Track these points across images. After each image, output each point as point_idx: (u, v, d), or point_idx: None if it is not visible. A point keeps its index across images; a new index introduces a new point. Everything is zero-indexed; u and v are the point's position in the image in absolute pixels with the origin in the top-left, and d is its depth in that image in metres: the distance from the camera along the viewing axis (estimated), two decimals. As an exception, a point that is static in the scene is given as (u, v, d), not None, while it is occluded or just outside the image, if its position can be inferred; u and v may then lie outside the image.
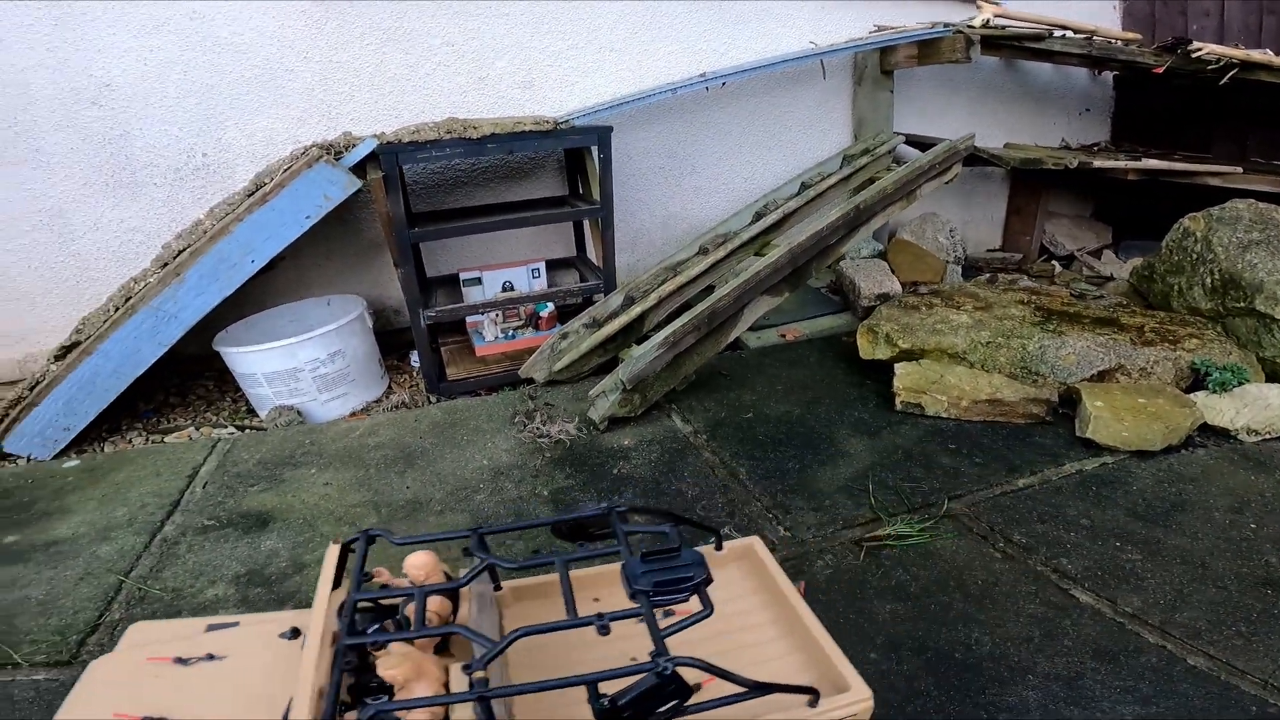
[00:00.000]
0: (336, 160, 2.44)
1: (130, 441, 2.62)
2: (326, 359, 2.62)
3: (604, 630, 0.92)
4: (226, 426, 2.70)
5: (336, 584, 1.14)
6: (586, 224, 3.37)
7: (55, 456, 2.48)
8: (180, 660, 1.18)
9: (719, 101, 3.51)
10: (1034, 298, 2.76)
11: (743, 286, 2.38)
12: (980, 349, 2.37)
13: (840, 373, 2.66)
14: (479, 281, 3.15)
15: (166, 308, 2.31)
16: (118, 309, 2.29)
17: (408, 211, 2.62)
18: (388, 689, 1.00)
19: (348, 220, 3.12)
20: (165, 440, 2.61)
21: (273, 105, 2.93)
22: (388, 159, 2.45)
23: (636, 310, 2.65)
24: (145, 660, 1.19)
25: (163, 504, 2.10)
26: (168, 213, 2.94)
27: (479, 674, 0.90)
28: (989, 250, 4.29)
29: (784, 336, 3.01)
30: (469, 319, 3.16)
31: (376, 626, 1.09)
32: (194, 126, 2.87)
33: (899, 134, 3.60)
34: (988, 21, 3.27)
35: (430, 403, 2.76)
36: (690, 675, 0.90)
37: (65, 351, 2.35)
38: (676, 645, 0.98)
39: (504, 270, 3.17)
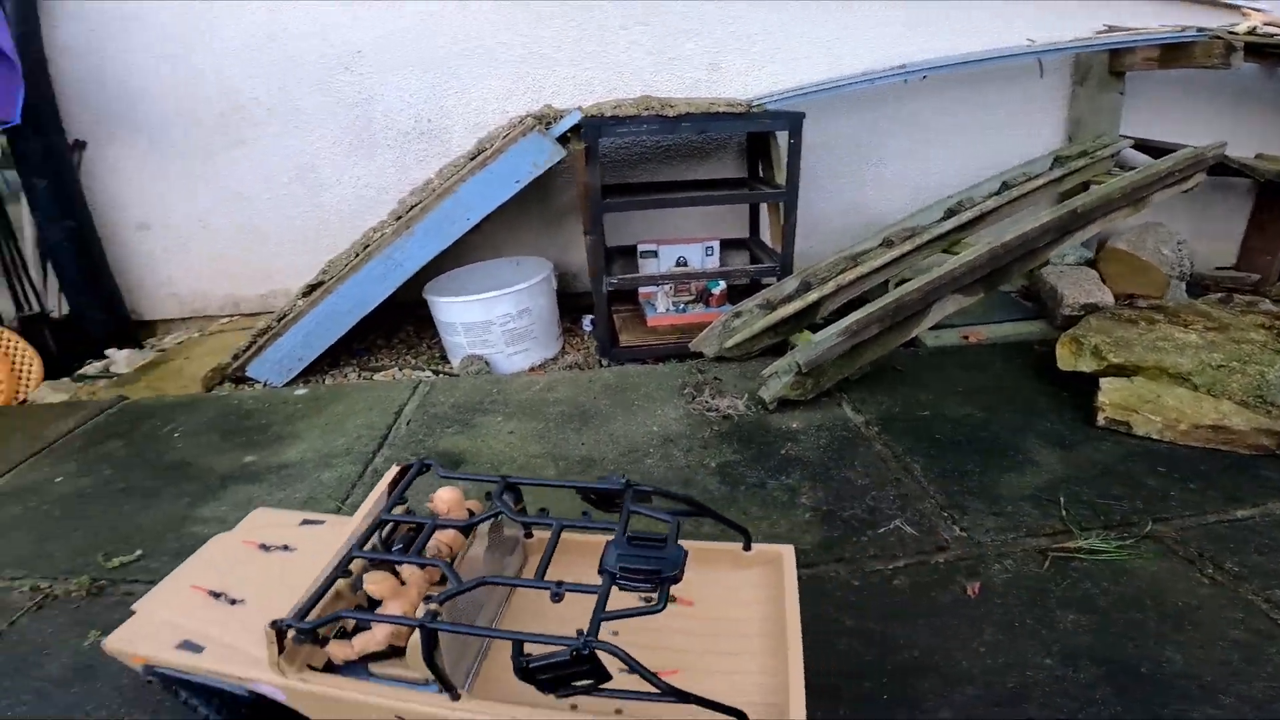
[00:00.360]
0: (546, 130, 2.63)
1: (346, 376, 3.00)
2: (516, 314, 2.85)
3: (556, 598, 0.95)
4: (424, 370, 3.02)
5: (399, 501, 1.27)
6: (764, 207, 3.38)
7: (287, 384, 2.87)
8: (263, 547, 1.37)
9: (912, 93, 3.36)
10: (1277, 322, 2.42)
11: (935, 282, 2.29)
12: (1209, 372, 2.12)
13: (1029, 382, 2.49)
14: (655, 254, 3.27)
15: (395, 256, 2.62)
16: (357, 255, 2.64)
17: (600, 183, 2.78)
18: (374, 603, 1.10)
19: (538, 188, 3.35)
20: (374, 378, 2.96)
21: (486, 76, 3.20)
22: (590, 131, 2.61)
23: (813, 296, 2.64)
24: (241, 542, 1.41)
25: (374, 437, 2.36)
26: (395, 172, 3.32)
27: (433, 606, 0.97)
28: (1219, 268, 3.77)
29: (966, 339, 2.85)
30: (642, 290, 3.29)
31: (400, 546, 1.18)
32: (424, 94, 3.21)
33: (1125, 137, 3.27)
34: (1254, 29, 2.91)
35: (601, 366, 2.92)
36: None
37: (311, 289, 2.74)
38: (646, 628, 1.02)
39: (680, 246, 3.27)
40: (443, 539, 1.18)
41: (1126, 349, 2.26)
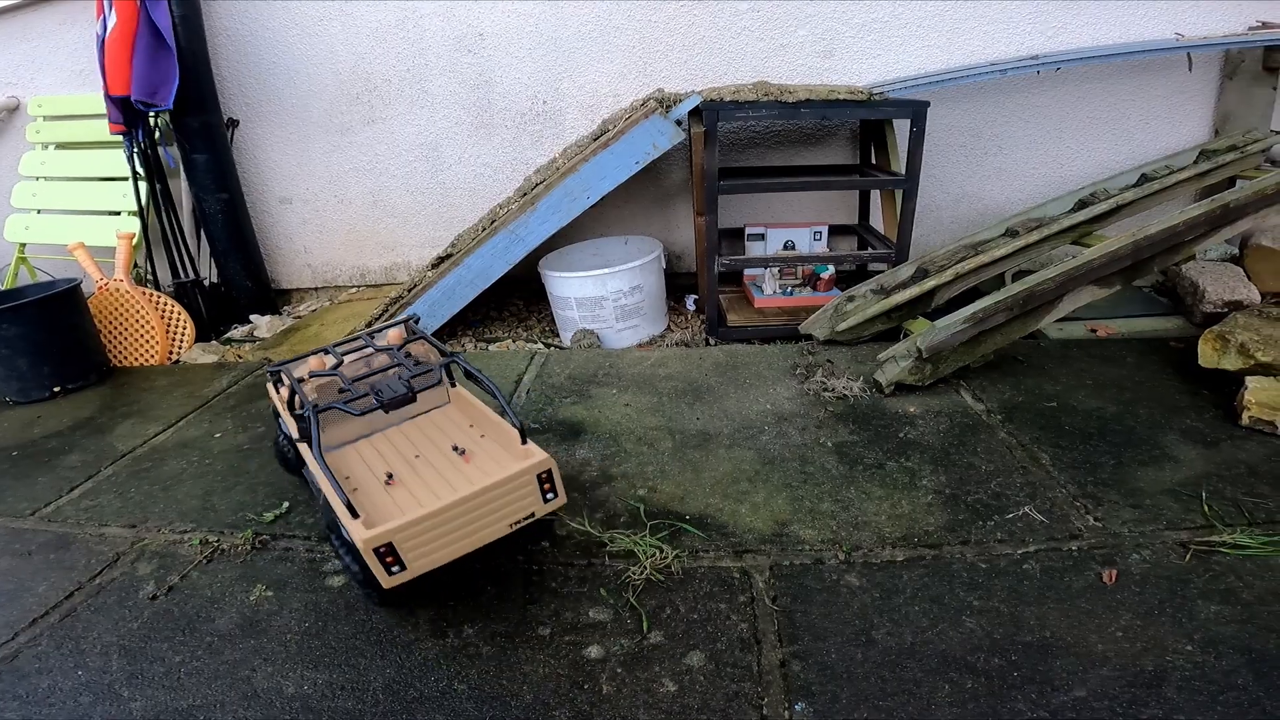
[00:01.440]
0: (667, 113, 2.71)
1: (463, 346, 3.19)
2: (628, 291, 2.95)
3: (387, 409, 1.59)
4: (536, 343, 3.18)
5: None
6: (875, 195, 3.36)
7: (410, 350, 3.08)
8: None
9: (1040, 84, 3.25)
10: None
11: (1072, 272, 2.24)
12: (1377, 375, 1.99)
13: (1165, 379, 2.39)
14: (762, 237, 3.31)
15: (518, 231, 2.77)
16: (484, 229, 2.80)
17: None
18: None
19: (648, 170, 3.44)
20: (490, 349, 3.13)
21: (601, 60, 3.30)
22: (709, 115, 2.67)
23: (930, 283, 2.61)
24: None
25: (495, 406, 2.48)
26: (512, 151, 3.48)
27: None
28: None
29: (1094, 332, 2.76)
30: (748, 272, 3.34)
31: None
32: (540, 77, 3.35)
33: (1278, 133, 3.07)
34: None
35: (709, 344, 2.99)
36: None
37: (439, 261, 2.93)
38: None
39: (788, 230, 3.30)
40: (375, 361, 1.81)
41: (1276, 347, 2.15)
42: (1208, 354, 2.27)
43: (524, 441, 1.55)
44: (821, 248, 3.30)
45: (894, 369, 2.30)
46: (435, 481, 1.58)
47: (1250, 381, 2.10)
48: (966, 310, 2.23)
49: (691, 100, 2.72)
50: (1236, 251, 3.03)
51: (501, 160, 3.51)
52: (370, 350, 1.81)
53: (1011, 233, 2.82)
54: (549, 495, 1.53)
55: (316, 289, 3.91)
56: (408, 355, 1.78)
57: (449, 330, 3.23)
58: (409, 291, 2.97)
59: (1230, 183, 3.05)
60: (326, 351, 1.80)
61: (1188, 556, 1.61)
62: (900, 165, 2.86)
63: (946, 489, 1.88)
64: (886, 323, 2.69)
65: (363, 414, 1.56)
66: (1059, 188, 3.39)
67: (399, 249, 3.74)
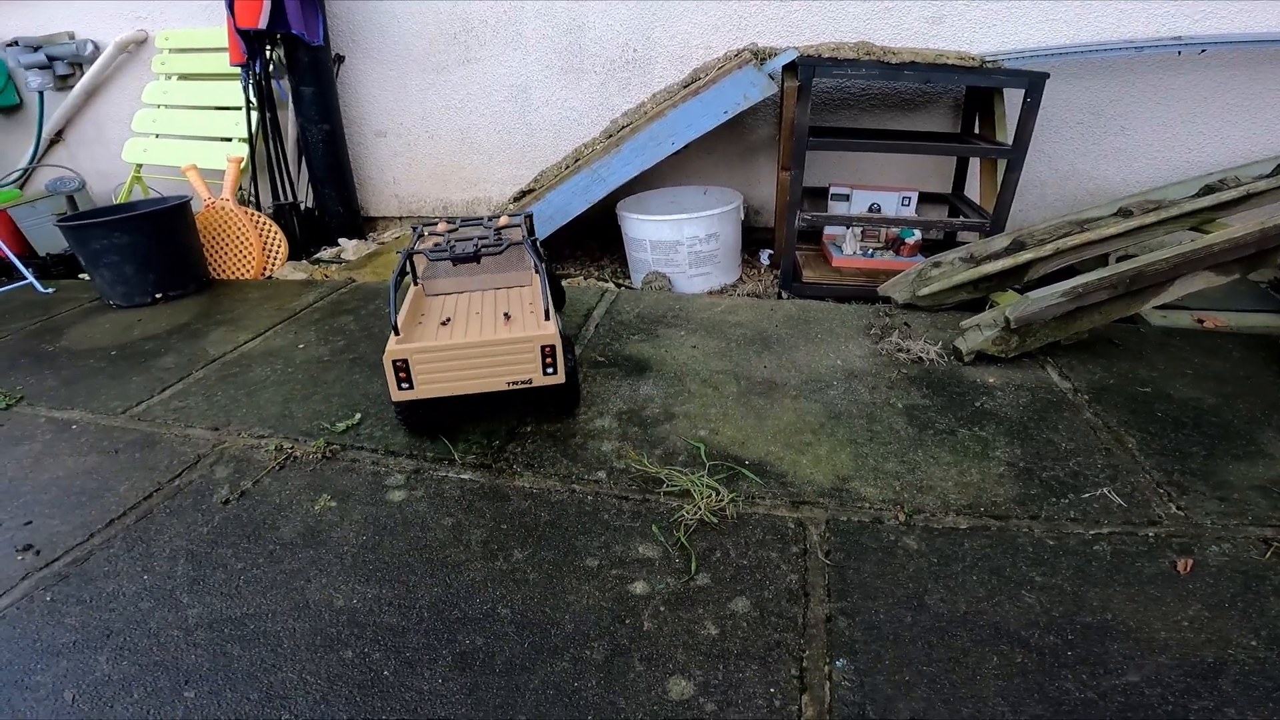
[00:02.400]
0: (761, 65, 2.65)
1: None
2: (705, 238, 2.94)
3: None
4: (608, 282, 3.21)
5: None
6: (973, 165, 3.21)
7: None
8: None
9: (1178, 66, 3.00)
10: None
11: (1188, 255, 2.09)
12: None
13: (1271, 376, 2.22)
14: (847, 198, 3.22)
15: (600, 171, 2.79)
16: (568, 167, 2.84)
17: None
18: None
19: (735, 123, 3.39)
20: (562, 284, 3.18)
21: (694, 11, 3.24)
22: (805, 70, 2.59)
23: (1026, 256, 2.49)
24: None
25: (571, 335, 2.52)
26: (599, 97, 3.48)
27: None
28: None
29: (1201, 322, 2.58)
30: (828, 230, 3.27)
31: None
32: (632, 24, 3.32)
33: None
34: None
35: (781, 298, 2.95)
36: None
37: (522, 195, 2.99)
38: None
39: (875, 192, 3.20)
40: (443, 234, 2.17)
41: None
42: (1330, 352, 2.09)
43: (546, 319, 1.76)
44: (910, 213, 3.19)
45: (977, 337, 2.22)
46: (473, 331, 1.79)
47: (1378, 385, 1.93)
48: (1066, 283, 2.12)
49: (787, 54, 2.65)
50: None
51: (588, 105, 3.52)
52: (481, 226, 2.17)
53: (1125, 213, 2.65)
54: (549, 369, 1.73)
55: (401, 218, 4.06)
56: (498, 233, 2.04)
57: (524, 269, 3.30)
58: (489, 225, 3.05)
59: (1384, 175, 2.76)
60: (450, 221, 2.19)
61: (1268, 553, 1.51)
62: (1007, 137, 2.71)
63: (1021, 462, 1.82)
64: (972, 293, 2.59)
65: (435, 260, 1.88)
66: (1183, 173, 3.15)
67: (482, 184, 3.83)
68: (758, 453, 1.86)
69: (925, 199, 3.32)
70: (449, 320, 1.87)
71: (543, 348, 1.71)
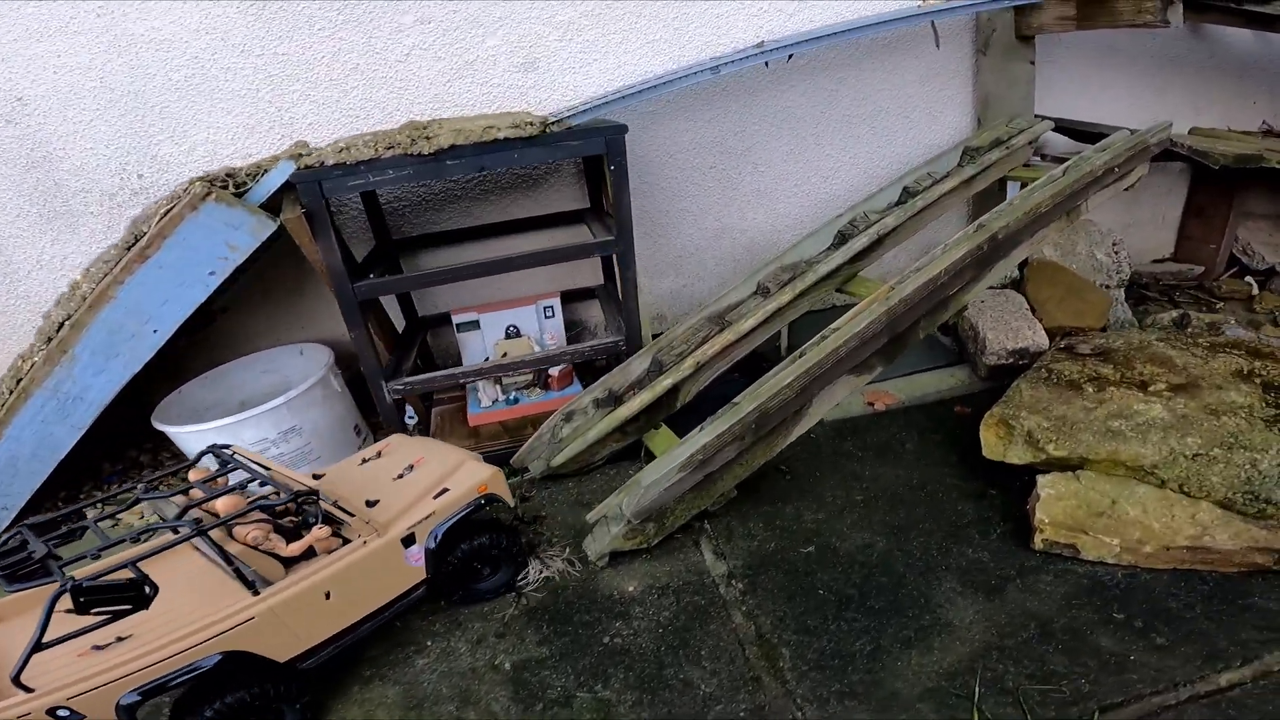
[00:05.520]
0: (238, 196, 2.06)
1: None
2: (279, 438, 2.29)
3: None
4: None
5: None
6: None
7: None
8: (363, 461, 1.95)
9: (786, 79, 2.93)
10: (1256, 363, 2.04)
11: (811, 373, 1.83)
12: (1182, 463, 1.73)
13: (949, 473, 2.09)
14: (476, 325, 2.76)
15: (66, 389, 2.04)
16: (10, 392, 2.03)
17: (347, 257, 2.21)
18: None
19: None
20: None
21: (211, 111, 2.60)
22: (307, 189, 2.05)
23: (666, 382, 2.18)
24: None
25: None
26: (111, 241, 2.69)
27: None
28: (1155, 261, 3.54)
29: (872, 405, 2.45)
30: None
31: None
32: (122, 144, 2.59)
33: (1042, 118, 2.92)
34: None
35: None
36: None
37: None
38: None
39: (508, 311, 2.77)
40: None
41: (1070, 436, 1.86)
42: (992, 443, 1.97)
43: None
44: (556, 326, 2.79)
45: (605, 537, 1.83)
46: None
47: (1042, 487, 1.82)
48: (681, 453, 1.77)
49: (280, 170, 2.08)
50: (1017, 273, 2.84)
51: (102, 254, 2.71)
52: None
53: (763, 290, 2.45)
54: None
55: None
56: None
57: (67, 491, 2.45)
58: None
59: (1001, 185, 2.88)
60: None
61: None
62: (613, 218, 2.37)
63: (650, 736, 1.42)
64: (620, 440, 2.24)
65: None
66: (826, 207, 3.12)
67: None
68: None
69: (574, 297, 2.97)
70: None
71: None
